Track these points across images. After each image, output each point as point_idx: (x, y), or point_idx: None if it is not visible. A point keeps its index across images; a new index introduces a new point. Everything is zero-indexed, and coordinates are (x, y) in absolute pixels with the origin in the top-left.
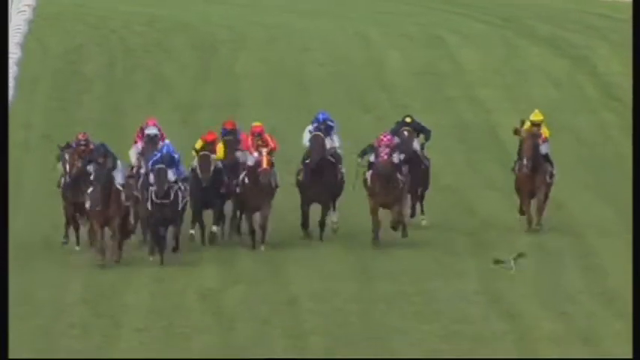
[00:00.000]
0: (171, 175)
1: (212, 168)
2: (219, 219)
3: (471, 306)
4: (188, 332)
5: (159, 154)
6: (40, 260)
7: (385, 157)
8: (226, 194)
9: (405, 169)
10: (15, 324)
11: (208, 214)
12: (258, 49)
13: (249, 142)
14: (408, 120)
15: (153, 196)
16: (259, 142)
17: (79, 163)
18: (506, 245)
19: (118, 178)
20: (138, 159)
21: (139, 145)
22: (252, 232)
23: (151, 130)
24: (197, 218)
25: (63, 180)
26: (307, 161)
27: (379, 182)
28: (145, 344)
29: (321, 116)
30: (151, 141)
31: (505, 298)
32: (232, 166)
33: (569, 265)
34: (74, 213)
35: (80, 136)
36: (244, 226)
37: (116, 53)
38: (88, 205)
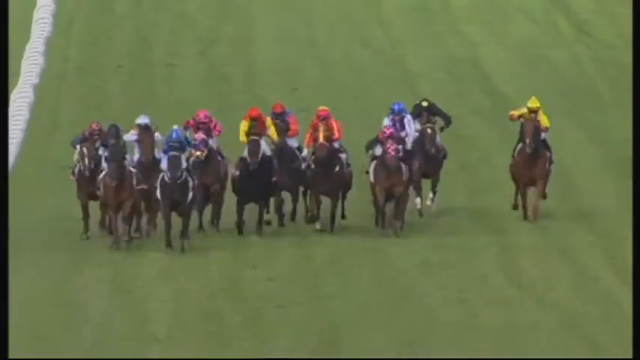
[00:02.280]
0: (183, 162)
1: (261, 153)
2: (266, 207)
3: (459, 220)
4: (206, 249)
5: (169, 142)
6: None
7: (393, 153)
8: (276, 183)
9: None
10: (56, 237)
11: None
12: None
13: (315, 123)
14: (424, 104)
15: (166, 178)
16: (323, 128)
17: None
18: (489, 165)
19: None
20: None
21: (130, 136)
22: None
23: (143, 120)
24: (240, 209)
25: (78, 168)
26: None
27: (384, 175)
28: (169, 256)
29: (396, 107)
30: (143, 131)
31: (489, 213)
32: (280, 150)
33: (557, 211)
34: (88, 202)
35: (94, 126)
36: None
37: None
38: (101, 186)
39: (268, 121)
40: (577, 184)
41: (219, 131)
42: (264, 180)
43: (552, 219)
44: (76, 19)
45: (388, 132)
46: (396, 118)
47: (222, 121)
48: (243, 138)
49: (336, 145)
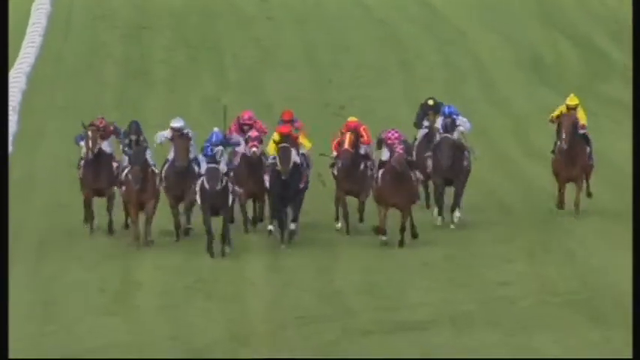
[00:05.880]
0: (223, 167)
1: (292, 161)
2: (296, 216)
3: (395, 109)
4: None
5: (209, 144)
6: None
7: (401, 151)
8: (305, 189)
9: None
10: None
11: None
12: None
13: (343, 136)
14: (430, 102)
15: (206, 184)
16: (352, 137)
17: (100, 143)
18: (422, 62)
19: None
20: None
21: (164, 134)
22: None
23: (177, 124)
24: (276, 214)
25: (83, 162)
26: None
27: (391, 182)
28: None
29: (447, 110)
30: (178, 135)
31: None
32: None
33: (478, 100)
34: (92, 198)
35: (97, 122)
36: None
37: None
38: (124, 188)
39: (299, 137)
40: (494, 77)
41: (265, 132)
42: (294, 186)
43: (474, 107)
44: None
45: (393, 136)
46: (447, 120)
47: (188, 52)
48: (272, 151)
49: (362, 150)
